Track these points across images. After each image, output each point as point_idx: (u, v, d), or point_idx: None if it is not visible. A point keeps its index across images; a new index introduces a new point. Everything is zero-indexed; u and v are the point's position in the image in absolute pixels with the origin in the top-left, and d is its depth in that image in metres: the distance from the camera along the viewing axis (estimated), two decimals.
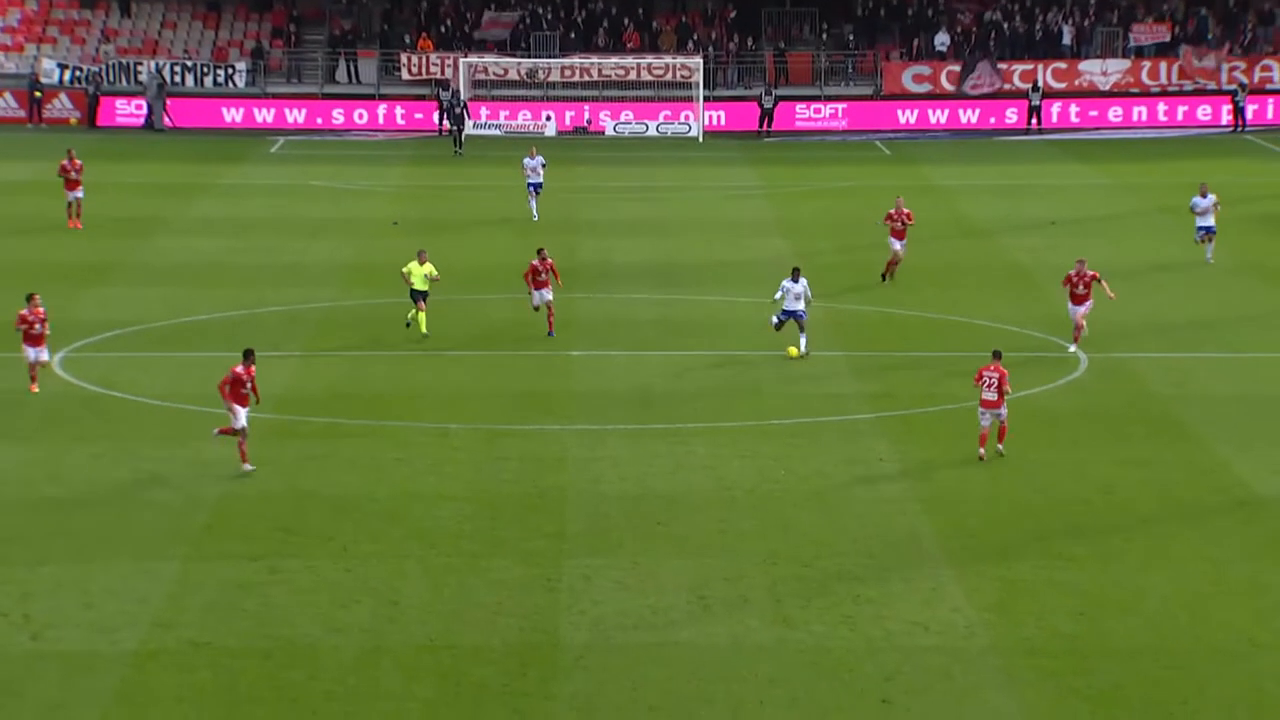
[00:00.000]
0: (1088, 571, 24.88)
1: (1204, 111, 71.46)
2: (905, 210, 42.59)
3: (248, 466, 28.74)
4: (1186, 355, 36.84)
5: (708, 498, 28.09)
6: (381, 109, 73.05)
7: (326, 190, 59.24)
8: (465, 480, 29.01)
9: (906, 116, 72.38)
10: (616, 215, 53.77)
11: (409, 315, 37.74)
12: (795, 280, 35.43)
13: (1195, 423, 31.84)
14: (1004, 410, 29.19)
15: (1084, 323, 35.62)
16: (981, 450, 29.23)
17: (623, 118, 72.27)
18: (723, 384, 34.92)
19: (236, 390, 28.70)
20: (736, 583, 24.54)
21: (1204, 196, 44.26)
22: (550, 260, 37.86)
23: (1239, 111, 70.25)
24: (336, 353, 37.19)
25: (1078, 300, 35.49)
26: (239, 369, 28.81)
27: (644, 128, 71.85)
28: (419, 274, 37.37)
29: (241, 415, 28.68)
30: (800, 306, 35.39)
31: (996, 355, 29.72)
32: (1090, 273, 35.59)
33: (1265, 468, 29.21)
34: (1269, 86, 71.81)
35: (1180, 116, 71.55)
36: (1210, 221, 44.08)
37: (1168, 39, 73.87)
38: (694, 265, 46.35)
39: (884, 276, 42.59)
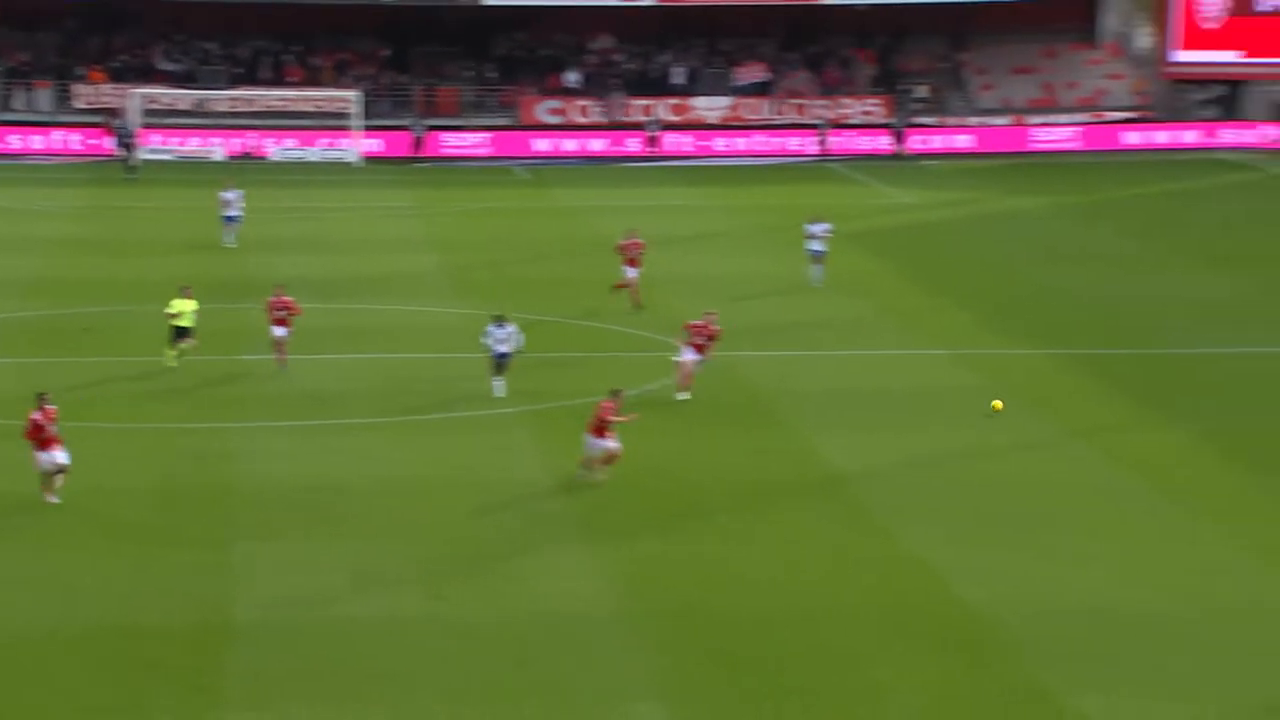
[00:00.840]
0: (704, 546, 25.42)
1: (795, 143, 73.71)
2: (637, 241, 41.76)
3: (51, 499, 26.28)
4: (783, 354, 37.91)
5: (369, 487, 27.85)
6: (57, 135, 70.31)
7: (4, 210, 56.73)
8: (144, 475, 28.17)
9: (542, 145, 72.90)
10: (282, 233, 52.82)
11: (169, 356, 34.63)
12: (501, 326, 33.03)
13: (791, 413, 32.80)
14: (608, 443, 27.52)
15: (694, 371, 33.20)
16: (600, 475, 27.81)
17: (286, 144, 71.06)
18: (383, 384, 34.62)
19: (37, 435, 26.10)
20: (393, 563, 24.40)
21: (815, 224, 44.59)
22: (288, 299, 34.89)
23: (822, 142, 72.74)
24: (16, 359, 35.65)
25: (699, 350, 33.22)
26: (35, 415, 26.14)
27: (305, 154, 70.75)
28: (188, 311, 34.55)
29: (43, 459, 25.98)
30: (506, 349, 32.98)
31: (613, 394, 28.08)
32: (717, 328, 33.73)
33: (846, 450, 30.25)
34: (847, 121, 74.50)
35: (775, 147, 73.64)
36: (820, 248, 44.54)
37: (765, 79, 76.09)
38: (355, 278, 45.86)
39: (634, 303, 40.89)
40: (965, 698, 20.35)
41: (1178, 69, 75.77)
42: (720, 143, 73.36)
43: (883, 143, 73.10)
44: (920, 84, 76.46)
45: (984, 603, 23.06)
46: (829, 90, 75.86)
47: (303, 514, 26.43)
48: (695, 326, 33.50)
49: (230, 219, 49.85)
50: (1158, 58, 76.70)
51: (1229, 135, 74.05)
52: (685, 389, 33.13)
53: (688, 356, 33.22)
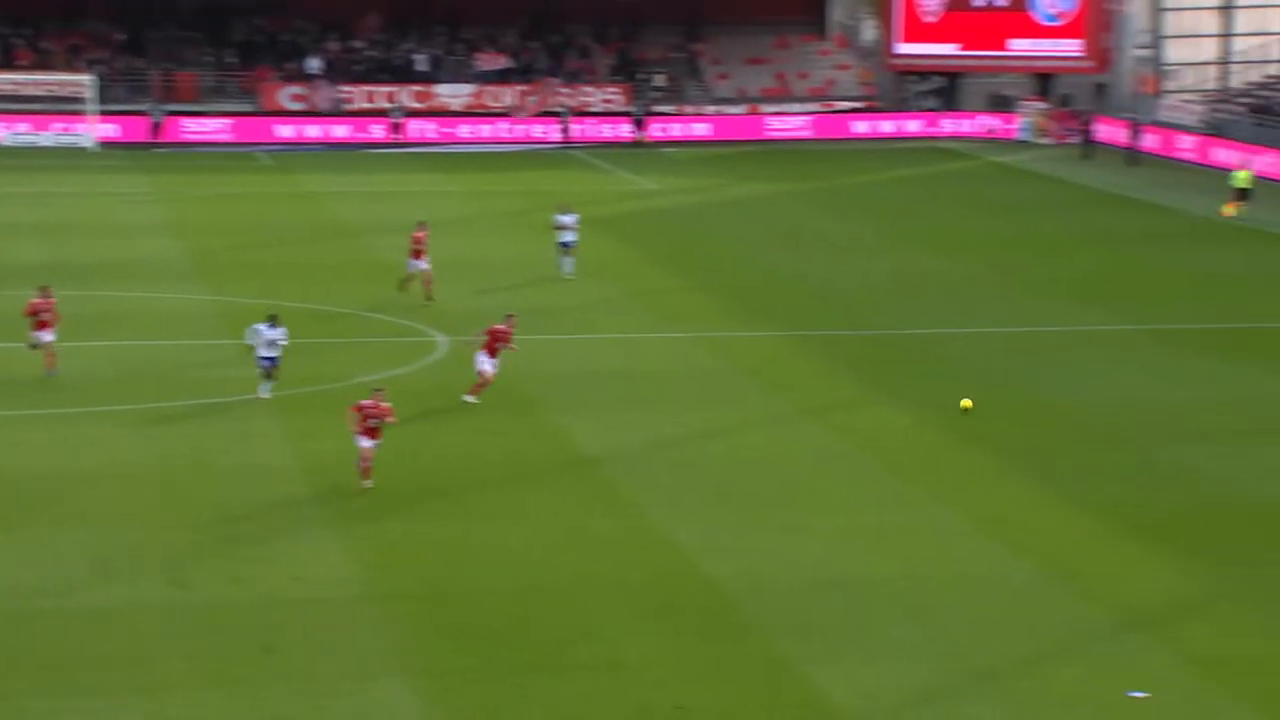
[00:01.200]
0: (452, 527, 25.17)
1: (538, 130, 73.63)
2: (421, 235, 40.40)
3: None
4: (530, 338, 37.73)
5: (109, 475, 26.92)
6: None
7: None
8: None
9: (285, 131, 71.50)
10: (12, 218, 50.78)
11: None
12: (273, 327, 30.91)
13: (538, 395, 32.69)
14: (366, 443, 26.18)
15: (490, 377, 31.50)
16: (366, 481, 26.41)
17: (18, 129, 68.36)
18: (123, 370, 33.52)
19: None
20: (135, 550, 23.62)
21: (565, 214, 43.81)
22: (54, 299, 32.89)
23: (565, 130, 72.79)
24: None
25: (493, 352, 31.48)
26: None
27: (38, 139, 68.15)
28: None
29: None
30: (275, 354, 30.83)
31: (376, 391, 26.82)
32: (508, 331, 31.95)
33: (593, 431, 30.30)
34: (588, 109, 74.70)
35: (519, 134, 73.44)
36: (570, 238, 43.68)
37: (506, 67, 75.82)
38: (90, 264, 44.34)
39: (402, 287, 39.74)
40: (709, 671, 20.51)
41: (900, 61, 77.83)
42: (464, 129, 72.90)
43: (624, 130, 73.47)
44: (658, 73, 77.09)
45: (727, 578, 23.29)
46: (571, 78, 75.97)
47: (39, 503, 25.42)
48: (497, 330, 31.72)
49: None
50: (882, 50, 78.67)
51: (948, 125, 76.35)
52: (475, 393, 31.53)
53: (484, 364, 31.38)
